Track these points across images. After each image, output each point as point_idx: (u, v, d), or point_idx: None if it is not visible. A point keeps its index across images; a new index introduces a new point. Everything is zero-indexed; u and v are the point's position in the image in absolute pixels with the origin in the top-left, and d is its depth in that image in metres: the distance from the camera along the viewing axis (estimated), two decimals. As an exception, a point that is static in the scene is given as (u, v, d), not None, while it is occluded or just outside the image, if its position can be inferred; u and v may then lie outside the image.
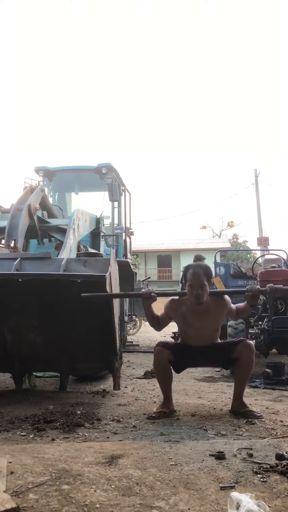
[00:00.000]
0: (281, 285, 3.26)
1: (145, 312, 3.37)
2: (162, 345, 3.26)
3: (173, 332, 7.34)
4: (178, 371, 3.39)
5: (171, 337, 7.27)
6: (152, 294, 3.23)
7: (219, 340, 3.38)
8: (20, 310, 3.53)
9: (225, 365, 3.53)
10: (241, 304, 3.36)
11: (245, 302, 3.29)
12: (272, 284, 3.20)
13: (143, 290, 3.46)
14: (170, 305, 3.33)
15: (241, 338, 3.34)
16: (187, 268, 3.29)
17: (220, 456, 2.06)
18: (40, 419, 2.90)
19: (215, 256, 7.61)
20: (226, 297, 3.32)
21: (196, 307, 3.17)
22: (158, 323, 3.36)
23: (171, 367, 3.26)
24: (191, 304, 3.19)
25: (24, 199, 4.46)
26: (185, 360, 3.31)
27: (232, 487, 1.73)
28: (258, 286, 3.42)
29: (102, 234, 6.02)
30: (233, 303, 3.38)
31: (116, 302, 3.59)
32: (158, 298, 3.29)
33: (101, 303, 3.32)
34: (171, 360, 3.21)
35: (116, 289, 3.65)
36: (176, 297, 3.37)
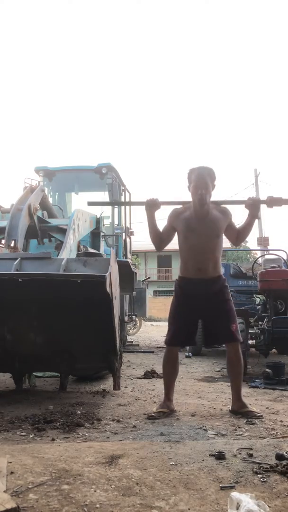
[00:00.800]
0: (281, 196, 3.30)
1: (148, 223, 3.33)
2: (170, 342, 3.29)
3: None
4: (192, 343, 3.45)
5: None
6: (156, 201, 3.25)
7: (220, 271, 3.30)
8: (20, 310, 3.53)
9: (206, 339, 3.49)
10: (242, 224, 3.33)
11: (247, 217, 3.28)
12: (272, 195, 3.26)
13: (147, 199, 3.37)
14: (173, 213, 3.31)
15: (233, 330, 3.19)
16: (192, 171, 3.26)
17: (220, 456, 2.06)
18: (40, 419, 2.90)
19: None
20: (229, 210, 3.33)
21: (200, 210, 3.17)
22: (160, 237, 3.33)
23: (187, 345, 3.31)
24: (195, 207, 3.19)
25: (24, 199, 4.45)
26: (191, 329, 3.28)
27: (232, 487, 1.73)
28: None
29: (102, 234, 6.01)
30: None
31: (116, 302, 3.58)
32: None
33: (101, 303, 3.32)
34: (181, 344, 3.25)
35: (116, 289, 3.65)
36: (179, 206, 3.34)
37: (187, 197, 3.31)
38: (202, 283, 3.20)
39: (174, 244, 3.42)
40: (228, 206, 3.41)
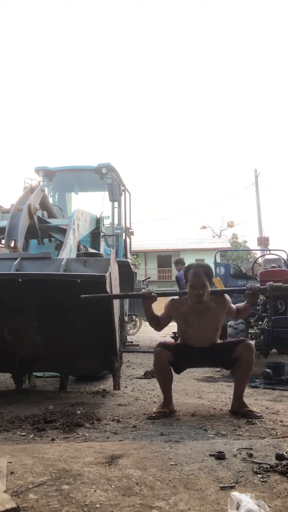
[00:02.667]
0: (281, 283, 3.27)
1: (145, 312, 3.37)
2: (162, 345, 3.26)
3: (173, 332, 7.34)
4: (178, 371, 3.39)
5: (171, 337, 7.27)
6: (153, 294, 3.24)
7: (219, 341, 3.38)
8: (20, 310, 3.53)
9: (226, 365, 3.54)
10: (241, 304, 3.36)
11: (245, 302, 3.30)
12: (272, 282, 3.21)
13: (143, 290, 3.46)
14: (171, 305, 3.33)
15: (241, 338, 3.35)
16: (188, 268, 3.30)
17: (220, 456, 2.06)
18: (40, 419, 2.90)
19: (215, 256, 7.61)
20: (227, 296, 3.33)
21: (197, 306, 3.18)
22: (158, 323, 3.36)
23: (171, 368, 3.26)
24: (192, 304, 3.19)
25: (24, 199, 4.46)
26: (185, 361, 3.31)
27: (232, 487, 1.73)
28: (258, 285, 3.43)
29: (102, 234, 6.02)
30: (234, 303, 3.39)
31: (116, 302, 3.59)
32: (159, 298, 3.29)
33: (101, 303, 3.32)
34: (171, 360, 3.21)
35: (116, 289, 3.65)
36: (176, 297, 3.37)
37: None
38: (202, 349, 3.28)
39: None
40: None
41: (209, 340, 3.27)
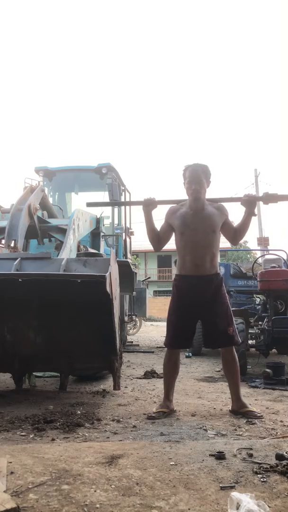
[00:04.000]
0: (277, 193, 3.32)
1: (145, 222, 3.35)
2: (170, 344, 3.31)
3: None
4: (189, 346, 3.53)
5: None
6: (154, 200, 3.30)
7: (217, 267, 3.31)
8: (20, 310, 3.53)
9: (206, 341, 3.42)
10: (238, 221, 3.32)
11: (243, 215, 3.27)
12: (267, 192, 3.28)
13: (144, 198, 3.41)
14: (169, 211, 3.34)
15: (230, 333, 3.19)
16: (186, 167, 3.30)
17: (220, 456, 2.06)
18: (40, 419, 2.90)
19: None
20: (225, 206, 3.35)
21: (194, 205, 3.20)
22: (158, 235, 3.35)
23: (186, 347, 3.47)
24: (190, 203, 3.22)
25: (24, 199, 4.45)
26: (189, 331, 3.30)
27: (232, 487, 1.73)
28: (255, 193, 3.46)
29: (102, 234, 6.01)
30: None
31: (116, 302, 3.58)
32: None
33: (101, 303, 3.32)
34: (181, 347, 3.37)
35: (116, 289, 3.65)
36: (175, 204, 3.38)
37: (185, 196, 3.32)
38: (200, 280, 3.20)
39: (174, 244, 3.42)
40: (226, 205, 3.42)
41: (206, 247, 3.19)
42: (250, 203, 3.23)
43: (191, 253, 3.21)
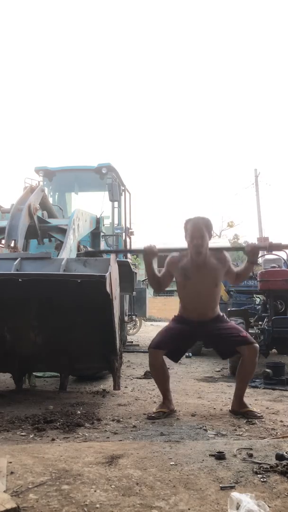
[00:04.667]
0: (281, 242, 3.31)
1: (146, 269, 3.36)
2: (155, 345, 3.22)
3: None
4: (176, 359, 3.38)
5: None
6: (154, 249, 3.26)
7: (218, 311, 3.32)
8: (20, 310, 3.53)
9: (223, 354, 3.46)
10: (241, 266, 3.34)
11: (245, 262, 3.28)
12: (271, 241, 3.25)
13: (145, 246, 3.40)
14: (171, 260, 3.33)
15: (245, 335, 3.22)
16: (188, 221, 3.28)
17: (220, 456, 2.06)
18: (40, 419, 2.90)
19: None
20: (227, 254, 3.32)
21: (196, 258, 3.18)
22: (159, 282, 3.35)
23: (170, 358, 3.28)
24: (191, 256, 3.20)
25: (24, 199, 4.45)
26: (180, 345, 3.28)
27: (232, 487, 1.73)
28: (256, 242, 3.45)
29: (102, 234, 6.01)
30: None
31: (116, 302, 3.58)
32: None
33: (101, 303, 3.32)
34: (167, 354, 3.22)
35: (116, 289, 3.65)
36: (176, 253, 3.37)
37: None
38: (201, 323, 3.24)
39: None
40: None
41: (208, 299, 3.22)
42: (253, 253, 3.24)
43: (192, 303, 3.26)
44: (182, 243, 3.35)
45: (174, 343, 3.25)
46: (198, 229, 3.18)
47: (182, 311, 3.34)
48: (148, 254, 3.25)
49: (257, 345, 3.21)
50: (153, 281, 3.35)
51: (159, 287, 3.38)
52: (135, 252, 3.30)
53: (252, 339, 3.22)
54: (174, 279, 3.39)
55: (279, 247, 3.28)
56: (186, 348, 3.34)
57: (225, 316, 3.40)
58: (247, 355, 3.12)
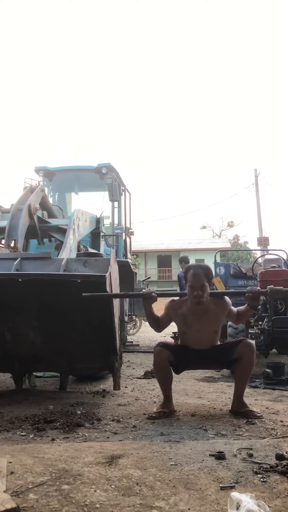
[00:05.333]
0: (282, 287, 3.27)
1: (145, 313, 3.37)
2: (162, 345, 3.25)
3: (173, 332, 7.34)
4: (177, 372, 3.39)
5: (171, 337, 7.26)
6: (153, 294, 3.23)
7: (218, 343, 3.37)
8: (20, 310, 3.53)
9: (226, 365, 3.53)
10: (241, 308, 3.34)
11: (246, 305, 3.28)
12: (272, 286, 3.21)
13: (143, 290, 3.45)
14: (170, 306, 3.32)
15: (241, 337, 3.33)
16: (187, 269, 3.29)
17: (220, 456, 2.06)
18: (40, 419, 2.90)
19: (215, 256, 7.60)
20: (227, 298, 3.32)
21: (196, 307, 3.17)
22: (158, 324, 3.36)
23: (171, 368, 3.26)
24: (191, 305, 3.19)
25: (24, 199, 4.45)
26: (185, 362, 3.31)
27: (232, 487, 1.73)
28: (259, 288, 3.41)
29: (102, 234, 6.02)
30: (234, 304, 3.38)
31: (116, 302, 3.58)
32: (159, 298, 3.29)
33: (101, 303, 3.32)
34: (171, 360, 3.21)
35: (116, 289, 3.65)
36: (176, 298, 3.37)
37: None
38: (202, 351, 3.27)
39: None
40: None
41: (208, 342, 3.26)
42: (253, 299, 3.22)
43: (193, 345, 3.27)
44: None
45: (179, 351, 3.27)
46: (199, 279, 3.16)
47: (183, 342, 3.37)
48: (147, 299, 3.25)
49: (252, 341, 3.23)
50: (153, 323, 3.38)
51: (159, 328, 3.41)
52: (134, 296, 3.25)
53: (247, 339, 3.25)
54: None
55: (280, 292, 3.27)
56: (188, 363, 3.37)
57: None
58: (243, 353, 3.14)
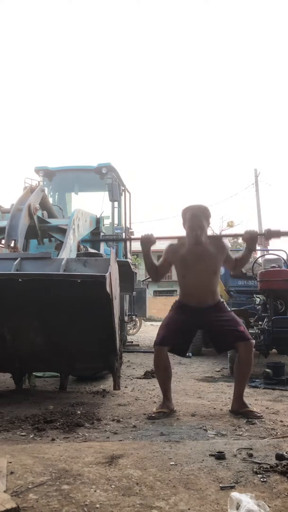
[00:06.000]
0: (279, 229, 3.30)
1: (144, 258, 3.37)
2: (159, 342, 3.24)
3: None
4: (183, 353, 3.41)
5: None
6: (151, 236, 3.27)
7: (219, 297, 3.32)
8: (20, 310, 3.53)
9: (218, 348, 3.48)
10: (239, 253, 3.34)
11: (244, 249, 3.29)
12: (269, 228, 3.27)
13: (142, 234, 3.41)
14: (170, 249, 3.33)
15: (242, 330, 3.18)
16: (186, 210, 3.28)
17: (220, 456, 2.06)
18: (40, 419, 2.90)
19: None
20: (226, 241, 3.34)
21: (195, 248, 3.19)
22: (156, 270, 3.36)
23: (176, 353, 3.30)
24: (190, 246, 3.20)
25: (24, 199, 4.45)
26: (185, 337, 3.28)
27: (232, 487, 1.73)
28: (256, 230, 3.43)
29: (102, 234, 6.01)
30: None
31: (116, 302, 3.58)
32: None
33: (101, 303, 3.32)
34: (172, 348, 3.22)
35: (116, 289, 3.65)
36: (175, 242, 3.37)
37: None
38: (202, 310, 3.24)
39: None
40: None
41: (208, 286, 3.22)
42: (251, 240, 3.23)
43: (193, 292, 3.26)
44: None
45: (177, 336, 3.25)
46: (198, 220, 3.19)
47: (182, 296, 3.34)
48: (146, 242, 3.26)
49: (253, 341, 3.22)
50: (151, 269, 3.36)
51: (157, 276, 3.37)
52: (133, 240, 3.31)
53: (249, 335, 3.21)
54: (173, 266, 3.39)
55: (278, 234, 3.27)
56: (189, 339, 3.34)
57: (225, 304, 3.40)
58: (243, 353, 3.13)
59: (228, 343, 3.23)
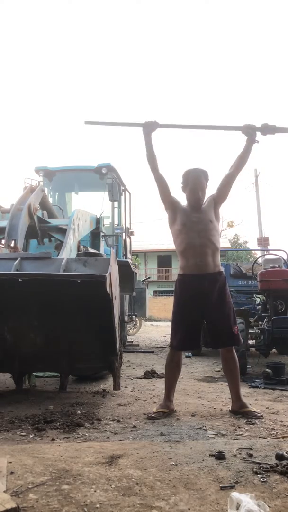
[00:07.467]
0: (275, 124, 3.33)
1: (145, 145, 3.35)
2: (177, 347, 3.30)
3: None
4: (196, 346, 3.52)
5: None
6: (155, 122, 3.32)
7: (219, 265, 3.35)
8: (20, 310, 3.53)
9: (208, 342, 3.53)
10: (240, 151, 3.36)
11: (245, 144, 3.33)
12: (266, 123, 3.31)
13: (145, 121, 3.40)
14: (176, 199, 3.40)
15: (235, 333, 3.22)
16: (188, 172, 3.36)
17: (220, 456, 2.06)
18: (40, 419, 2.90)
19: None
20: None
21: (195, 208, 3.30)
22: (154, 160, 3.35)
23: (192, 348, 3.51)
24: (191, 205, 3.32)
25: (24, 199, 4.45)
26: (194, 333, 3.29)
27: (232, 487, 1.73)
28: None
29: (102, 234, 6.01)
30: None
31: (116, 302, 3.58)
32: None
33: (101, 303, 3.32)
34: (186, 345, 3.37)
35: (116, 289, 3.65)
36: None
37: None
38: (203, 280, 3.21)
39: (173, 245, 3.42)
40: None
41: (207, 239, 3.23)
42: (249, 130, 3.29)
43: (192, 251, 3.22)
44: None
45: (190, 336, 3.28)
46: (200, 182, 3.31)
47: (183, 266, 3.32)
48: (148, 126, 3.28)
49: (237, 345, 3.32)
50: (151, 155, 3.35)
51: (154, 162, 3.34)
52: (133, 125, 3.11)
53: (237, 340, 3.23)
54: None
55: (274, 129, 3.30)
56: (199, 333, 3.36)
57: (225, 279, 3.40)
58: (225, 352, 3.27)
59: (219, 342, 3.30)
